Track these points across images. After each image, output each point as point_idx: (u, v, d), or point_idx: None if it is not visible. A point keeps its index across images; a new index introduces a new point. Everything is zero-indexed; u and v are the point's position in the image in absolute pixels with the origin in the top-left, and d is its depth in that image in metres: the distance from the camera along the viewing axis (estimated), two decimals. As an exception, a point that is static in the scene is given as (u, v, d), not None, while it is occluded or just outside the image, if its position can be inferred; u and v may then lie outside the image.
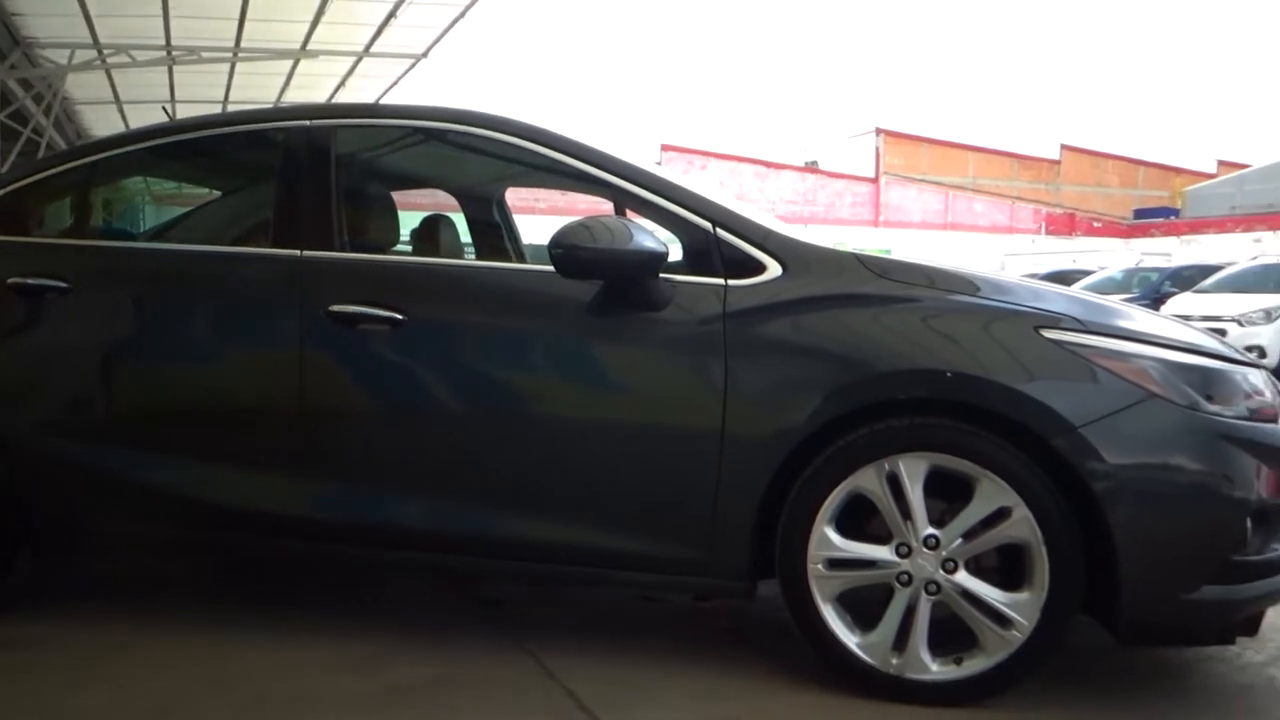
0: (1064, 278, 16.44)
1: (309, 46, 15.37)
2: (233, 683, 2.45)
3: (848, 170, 40.37)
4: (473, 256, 3.59)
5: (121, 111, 20.05)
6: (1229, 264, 14.61)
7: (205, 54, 15.18)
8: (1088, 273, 18.02)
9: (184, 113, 17.87)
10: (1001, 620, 2.27)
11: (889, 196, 40.22)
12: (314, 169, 2.78)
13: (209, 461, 2.73)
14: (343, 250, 2.73)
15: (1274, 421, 2.37)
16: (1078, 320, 2.34)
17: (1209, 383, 2.31)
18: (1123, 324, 2.40)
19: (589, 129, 2.82)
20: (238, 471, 2.70)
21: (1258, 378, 2.44)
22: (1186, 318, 11.05)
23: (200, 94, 18.39)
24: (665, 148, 37.83)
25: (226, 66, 16.61)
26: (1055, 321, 2.33)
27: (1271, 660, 2.65)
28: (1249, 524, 2.24)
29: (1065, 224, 40.81)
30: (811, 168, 40.94)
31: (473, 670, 2.52)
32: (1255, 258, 15.52)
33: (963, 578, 2.29)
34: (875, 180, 40.35)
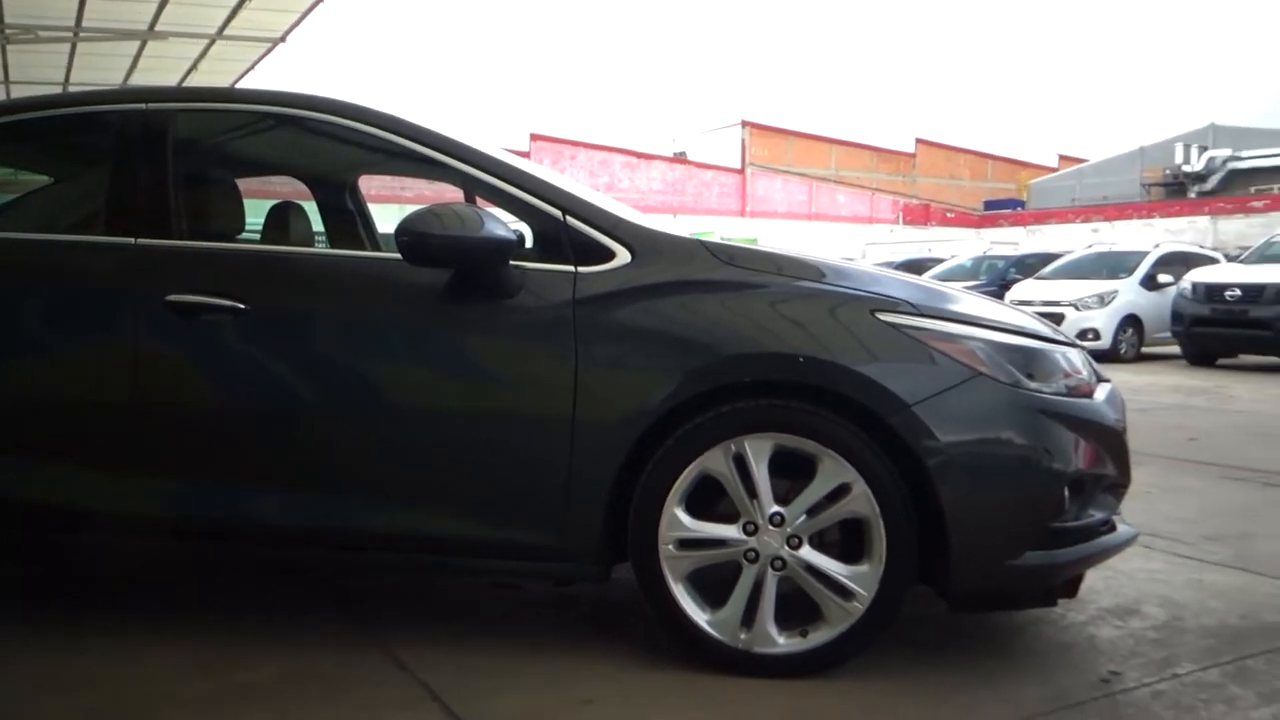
0: (919, 265, 17.14)
1: (157, 27, 14.68)
2: (77, 687, 2.34)
3: (715, 161, 40.96)
4: (325, 245, 3.51)
5: (-52, 92, 18.76)
6: (1068, 252, 15.47)
7: (43, 33, 14.33)
8: (941, 260, 18.80)
9: (18, 95, 16.82)
10: (844, 592, 2.36)
11: (755, 187, 41.00)
12: (150, 154, 2.68)
13: (45, 461, 2.60)
14: (181, 238, 2.64)
15: (1090, 397, 2.55)
16: (912, 304, 2.46)
17: (1030, 361, 2.46)
18: (953, 307, 2.53)
19: (456, 118, 2.81)
20: (75, 470, 2.58)
21: (1076, 356, 2.61)
22: (1028, 303, 11.69)
23: (38, 75, 17.36)
24: (535, 137, 37.60)
25: (67, 47, 15.72)
26: (892, 306, 2.44)
27: (1091, 620, 2.84)
28: (1067, 493, 2.40)
29: (921, 214, 42.43)
30: (680, 158, 41.38)
31: (325, 666, 2.48)
32: (1091, 246, 16.53)
33: (807, 553, 2.37)
34: (741, 171, 41.07)
